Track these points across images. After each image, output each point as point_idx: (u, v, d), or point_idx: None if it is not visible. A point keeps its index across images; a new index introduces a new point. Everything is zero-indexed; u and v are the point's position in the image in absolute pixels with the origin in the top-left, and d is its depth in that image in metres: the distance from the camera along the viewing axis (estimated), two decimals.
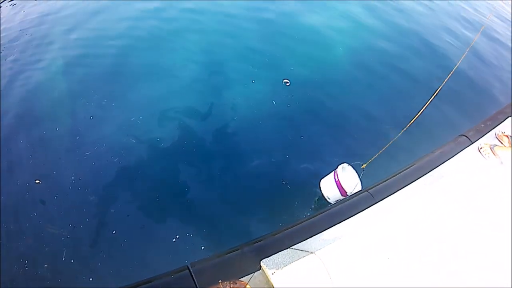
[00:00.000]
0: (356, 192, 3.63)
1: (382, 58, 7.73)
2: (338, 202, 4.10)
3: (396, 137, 4.18)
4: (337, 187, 4.54)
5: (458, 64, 4.90)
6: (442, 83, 4.47)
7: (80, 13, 8.75)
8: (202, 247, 4.40)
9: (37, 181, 5.17)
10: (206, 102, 6.27)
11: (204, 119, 6.00)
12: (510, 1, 11.48)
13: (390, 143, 4.20)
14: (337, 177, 4.52)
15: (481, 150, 4.11)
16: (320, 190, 4.74)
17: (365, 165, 4.40)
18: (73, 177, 5.14)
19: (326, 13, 8.99)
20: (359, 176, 4.50)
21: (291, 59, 7.25)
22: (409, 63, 7.72)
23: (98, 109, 6.15)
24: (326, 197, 4.71)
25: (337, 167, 4.55)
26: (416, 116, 4.23)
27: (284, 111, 6.12)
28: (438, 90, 4.46)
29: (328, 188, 4.70)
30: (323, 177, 4.78)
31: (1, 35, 8.22)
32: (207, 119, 6.00)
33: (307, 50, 7.56)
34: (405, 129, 4.24)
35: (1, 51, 7.74)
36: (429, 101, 4.39)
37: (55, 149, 5.56)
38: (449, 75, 4.60)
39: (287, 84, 6.54)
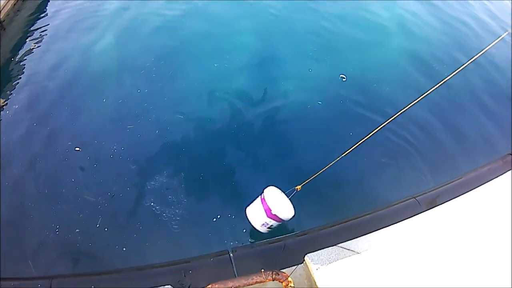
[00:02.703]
0: (404, 198, 3.45)
1: None
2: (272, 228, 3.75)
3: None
4: (265, 211, 3.70)
5: None
6: None
7: None
8: (244, 230, 4.25)
9: (77, 149, 5.11)
10: (258, 86, 6.07)
11: (255, 103, 5.81)
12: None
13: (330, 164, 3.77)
14: (264, 201, 3.74)
15: None
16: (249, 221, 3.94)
17: (299, 186, 3.88)
18: (115, 147, 5.05)
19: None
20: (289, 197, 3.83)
21: (352, 54, 6.96)
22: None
23: (147, 83, 6.06)
24: (255, 226, 3.87)
25: (263, 191, 3.87)
26: None
27: (336, 107, 5.87)
28: None
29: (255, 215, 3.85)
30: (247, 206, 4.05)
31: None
32: (258, 104, 5.81)
33: (369, 47, 7.23)
34: None
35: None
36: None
37: (99, 119, 5.49)
38: None
39: (344, 79, 6.31)
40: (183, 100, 5.81)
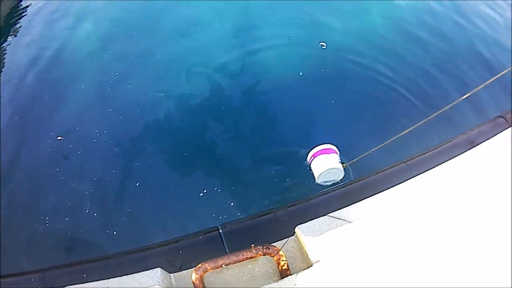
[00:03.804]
0: (393, 164, 3.35)
1: None
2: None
3: (402, 133, 3.61)
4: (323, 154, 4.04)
5: None
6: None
7: None
8: (232, 204, 4.15)
9: (59, 138, 4.95)
10: (236, 58, 5.86)
11: (233, 75, 5.60)
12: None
13: (389, 141, 3.67)
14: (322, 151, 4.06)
15: None
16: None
17: (345, 164, 3.99)
18: (97, 132, 4.90)
19: None
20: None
21: (332, 21, 6.69)
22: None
23: (125, 65, 5.84)
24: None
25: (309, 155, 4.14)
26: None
27: (317, 75, 5.69)
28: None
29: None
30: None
31: None
32: (236, 75, 5.60)
33: (350, 13, 6.92)
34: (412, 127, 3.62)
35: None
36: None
37: (79, 106, 5.31)
38: None
39: (324, 47, 6.10)
40: (162, 78, 5.62)
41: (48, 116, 5.21)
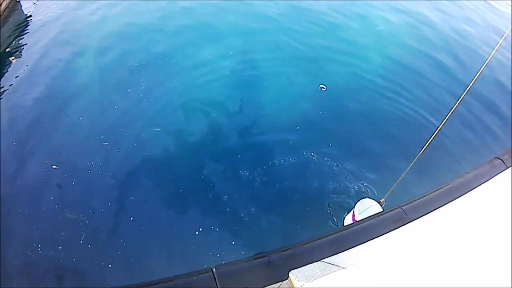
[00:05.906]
0: (389, 209, 3.34)
1: None
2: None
3: (411, 164, 3.77)
4: None
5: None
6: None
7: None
8: (233, 242, 4.13)
9: (53, 166, 4.98)
10: (234, 97, 5.96)
11: (231, 115, 5.70)
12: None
13: (405, 172, 3.81)
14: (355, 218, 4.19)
15: None
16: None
17: (383, 199, 4.09)
18: (93, 163, 4.93)
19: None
20: (381, 206, 4.16)
21: (330, 65, 6.84)
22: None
23: (123, 99, 5.91)
24: None
25: (354, 206, 4.22)
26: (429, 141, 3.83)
27: (315, 117, 5.78)
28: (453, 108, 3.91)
29: None
30: (347, 214, 4.44)
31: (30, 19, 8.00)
32: (234, 115, 5.71)
33: (347, 58, 7.09)
34: (419, 154, 3.79)
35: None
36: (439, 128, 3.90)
37: (75, 136, 5.38)
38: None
39: (323, 89, 6.18)
40: (160, 113, 5.71)
41: (45, 145, 5.24)
